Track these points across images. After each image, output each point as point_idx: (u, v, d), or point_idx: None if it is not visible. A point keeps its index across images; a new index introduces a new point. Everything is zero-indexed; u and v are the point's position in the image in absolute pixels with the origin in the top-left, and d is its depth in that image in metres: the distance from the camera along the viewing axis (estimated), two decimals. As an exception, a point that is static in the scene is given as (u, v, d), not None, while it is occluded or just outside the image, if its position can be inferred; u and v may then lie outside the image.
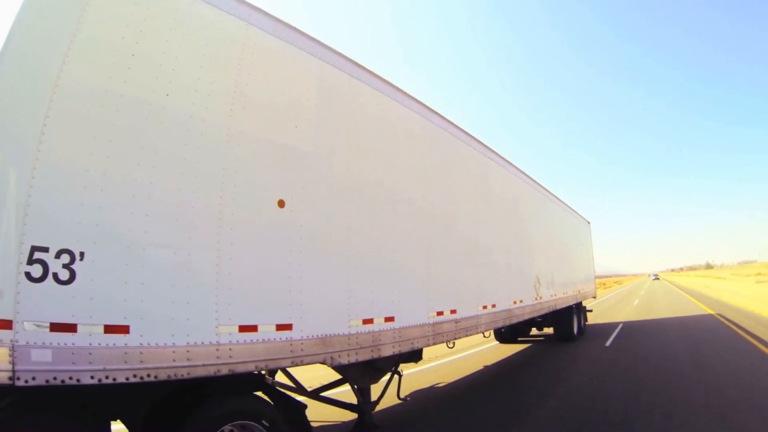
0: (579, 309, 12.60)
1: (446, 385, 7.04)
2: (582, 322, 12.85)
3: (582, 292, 13.03)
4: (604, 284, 69.55)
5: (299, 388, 4.25)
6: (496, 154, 7.43)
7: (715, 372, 6.82)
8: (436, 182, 5.38)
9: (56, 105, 2.40)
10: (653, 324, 14.40)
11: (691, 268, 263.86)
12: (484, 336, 9.29)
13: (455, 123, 5.99)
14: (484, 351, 10.56)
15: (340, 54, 4.10)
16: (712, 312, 16.73)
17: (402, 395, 5.52)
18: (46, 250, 2.26)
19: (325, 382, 4.76)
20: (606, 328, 13.57)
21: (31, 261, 2.22)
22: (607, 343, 10.73)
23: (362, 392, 4.29)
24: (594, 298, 15.19)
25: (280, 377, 4.19)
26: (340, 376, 4.41)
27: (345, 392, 4.71)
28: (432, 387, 6.87)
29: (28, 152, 2.31)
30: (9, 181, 2.26)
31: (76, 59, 2.49)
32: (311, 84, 3.79)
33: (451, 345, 6.38)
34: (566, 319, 11.39)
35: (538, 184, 9.92)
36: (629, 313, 18.74)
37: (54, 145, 2.37)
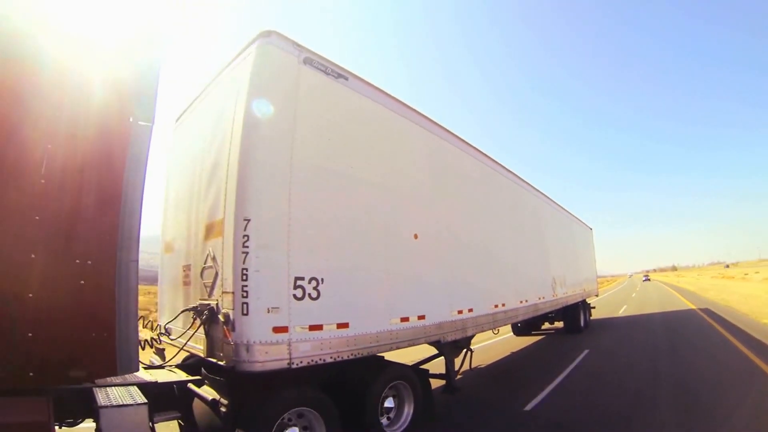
0: (584, 305, 14.27)
1: (486, 366, 8.75)
2: (587, 316, 14.51)
3: (586, 291, 14.69)
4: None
5: None
6: (524, 181, 9.15)
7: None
8: (491, 217, 7.23)
9: (293, 179, 3.61)
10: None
11: (662, 270, 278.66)
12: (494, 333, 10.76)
13: (497, 160, 7.67)
14: (504, 341, 12.15)
15: (437, 124, 5.60)
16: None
17: (457, 372, 6.97)
18: (303, 279, 3.54)
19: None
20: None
21: (295, 287, 3.47)
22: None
23: (450, 363, 5.71)
24: (596, 296, 16.84)
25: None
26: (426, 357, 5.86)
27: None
28: (476, 367, 8.42)
29: (283, 216, 3.50)
30: (276, 235, 3.44)
31: (298, 147, 3.71)
32: (423, 150, 5.31)
33: (496, 331, 7.94)
34: (574, 314, 13.06)
35: (551, 200, 11.60)
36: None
37: (295, 210, 3.58)
